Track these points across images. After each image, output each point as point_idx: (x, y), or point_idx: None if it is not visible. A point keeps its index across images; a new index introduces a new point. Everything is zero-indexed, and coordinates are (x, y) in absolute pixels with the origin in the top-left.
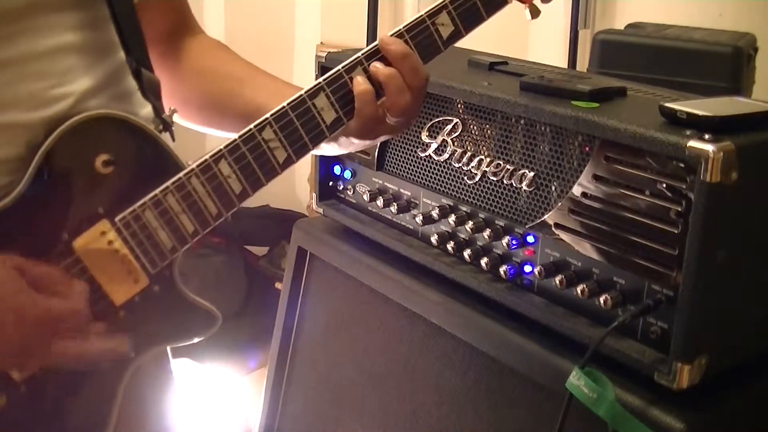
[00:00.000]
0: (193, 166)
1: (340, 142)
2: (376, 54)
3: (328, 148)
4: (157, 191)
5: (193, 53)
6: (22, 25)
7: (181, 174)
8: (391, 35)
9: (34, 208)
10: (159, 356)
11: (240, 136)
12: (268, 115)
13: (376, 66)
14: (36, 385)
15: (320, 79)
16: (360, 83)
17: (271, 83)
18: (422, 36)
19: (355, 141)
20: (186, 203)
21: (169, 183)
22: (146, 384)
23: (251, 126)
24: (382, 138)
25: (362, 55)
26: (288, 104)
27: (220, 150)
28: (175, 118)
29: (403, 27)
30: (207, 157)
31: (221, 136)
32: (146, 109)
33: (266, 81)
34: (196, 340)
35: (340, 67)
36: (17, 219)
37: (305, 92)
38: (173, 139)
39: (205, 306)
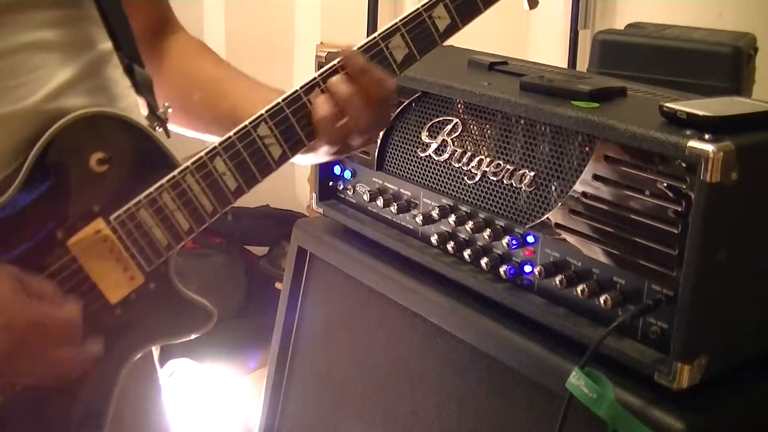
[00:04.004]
0: (188, 163)
1: (317, 153)
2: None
3: (310, 158)
4: (151, 189)
5: (176, 54)
6: None
7: (175, 172)
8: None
9: (28, 207)
10: (145, 362)
11: (235, 133)
12: (263, 111)
13: (336, 84)
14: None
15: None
16: (320, 104)
17: (248, 87)
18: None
19: (326, 157)
20: (181, 201)
21: (163, 181)
22: (133, 391)
23: (246, 122)
24: (353, 151)
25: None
26: (283, 100)
27: (215, 147)
28: None
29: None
30: (202, 154)
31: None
32: (128, 101)
33: (244, 84)
34: (192, 336)
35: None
36: (10, 219)
37: (301, 88)
38: (168, 136)
39: (200, 303)
